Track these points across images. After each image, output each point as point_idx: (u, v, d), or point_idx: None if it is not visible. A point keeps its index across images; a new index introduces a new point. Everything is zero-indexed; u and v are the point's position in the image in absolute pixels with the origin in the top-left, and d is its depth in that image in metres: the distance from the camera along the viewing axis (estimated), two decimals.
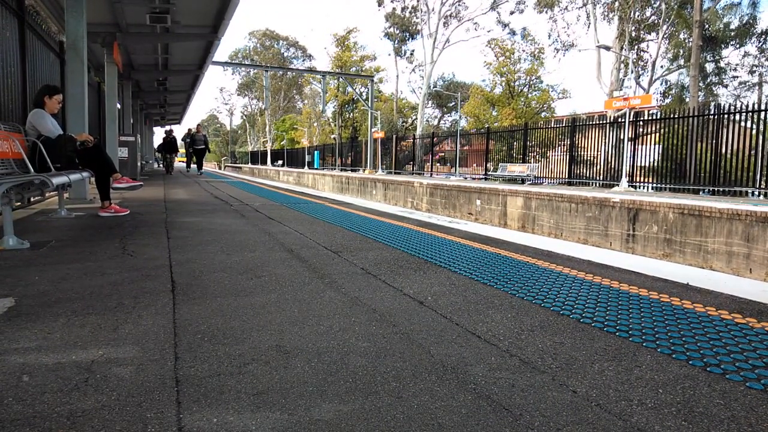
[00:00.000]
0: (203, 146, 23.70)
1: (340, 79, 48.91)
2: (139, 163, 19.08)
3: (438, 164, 34.19)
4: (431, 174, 27.79)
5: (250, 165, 63.52)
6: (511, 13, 36.05)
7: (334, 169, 38.96)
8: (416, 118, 44.17)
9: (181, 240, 5.34)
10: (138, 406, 1.76)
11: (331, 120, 60.80)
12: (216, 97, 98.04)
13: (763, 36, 24.88)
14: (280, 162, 54.17)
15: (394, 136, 33.71)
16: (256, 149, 73.84)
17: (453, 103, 48.87)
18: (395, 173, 29.82)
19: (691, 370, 2.20)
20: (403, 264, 4.30)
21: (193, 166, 25.43)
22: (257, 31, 69.78)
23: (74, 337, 2.40)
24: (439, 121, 56.05)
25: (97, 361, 2.14)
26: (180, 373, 2.03)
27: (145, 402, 1.79)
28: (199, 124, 24.17)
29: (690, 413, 1.80)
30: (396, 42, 44.79)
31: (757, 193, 10.19)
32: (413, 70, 46.68)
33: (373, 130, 32.61)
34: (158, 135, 42.68)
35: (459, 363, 2.21)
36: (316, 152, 45.84)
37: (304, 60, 70.47)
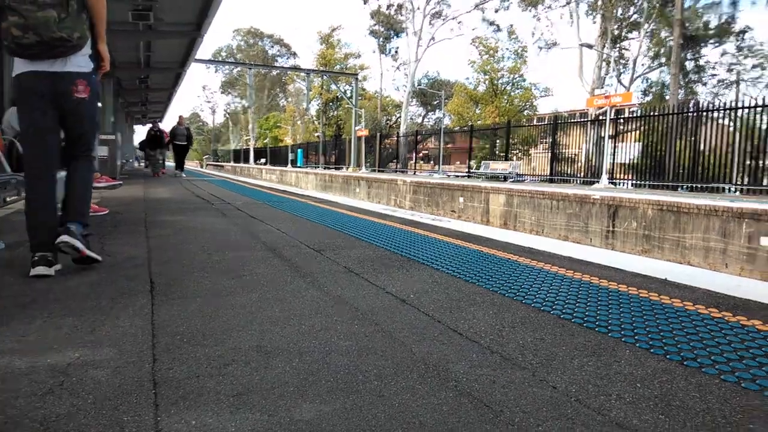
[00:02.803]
0: (185, 142, 19.98)
1: (324, 77, 48.73)
2: (119, 162, 18.78)
3: (422, 162, 34.26)
4: (415, 172, 27.83)
5: (232, 163, 62.99)
6: (496, 11, 36.32)
7: (318, 167, 38.82)
8: (400, 116, 44.21)
9: (161, 239, 5.27)
10: (114, 410, 1.73)
11: (315, 118, 60.57)
12: (199, 95, 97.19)
13: (741, 35, 25.35)
14: (263, 160, 53.79)
15: (378, 134, 33.69)
16: (238, 147, 73.26)
17: (437, 101, 49.02)
18: (379, 171, 29.81)
19: (669, 364, 2.23)
20: (386, 262, 4.29)
21: (170, 163, 23.43)
22: (241, 28, 69.20)
23: (50, 340, 2.36)
24: (423, 119, 56.15)
25: (74, 363, 2.10)
26: (158, 375, 2.00)
27: (122, 405, 1.76)
28: (181, 116, 20.39)
29: (667, 407, 1.82)
30: (381, 40, 44.76)
31: (733, 189, 10.39)
32: (398, 68, 46.72)
33: (357, 128, 32.56)
34: (139, 133, 42.04)
35: (441, 360, 2.21)
36: (299, 150, 45.61)
37: (288, 58, 70.04)
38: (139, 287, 3.33)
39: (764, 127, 10.09)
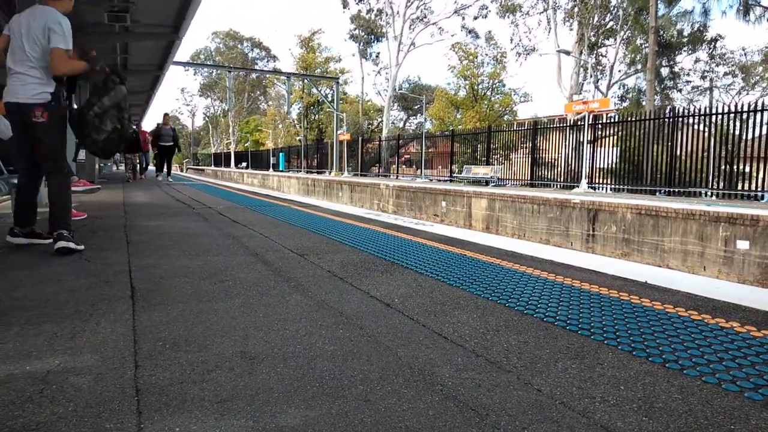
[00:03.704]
0: (171, 143, 18.09)
1: (305, 81, 48.60)
2: (97, 166, 18.44)
3: (404, 166, 34.33)
4: (397, 176, 27.89)
5: (213, 167, 62.40)
6: (475, 18, 36.58)
7: (300, 171, 38.67)
8: (382, 120, 44.30)
9: (142, 244, 5.20)
10: (96, 417, 1.69)
11: (296, 122, 60.34)
12: (177, 98, 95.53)
13: (713, 43, 25.97)
14: (244, 164, 53.38)
15: (360, 138, 33.71)
16: (219, 151, 72.59)
17: (418, 106, 49.22)
18: (361, 175, 29.82)
19: (651, 366, 2.27)
20: (370, 266, 4.29)
21: (152, 167, 21.91)
22: (220, 31, 68.70)
23: (29, 347, 2.30)
24: (404, 124, 56.33)
25: (53, 371, 2.05)
26: (140, 382, 1.97)
27: (104, 412, 1.73)
28: (166, 114, 18.25)
29: (650, 409, 1.85)
30: (361, 44, 44.80)
31: (710, 193, 10.62)
32: (378, 72, 46.72)
33: (338, 132, 32.53)
34: None
35: (426, 364, 2.21)
36: (281, 154, 45.35)
37: (268, 61, 69.70)
38: (119, 293, 3.27)
39: (737, 132, 10.34)
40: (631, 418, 1.77)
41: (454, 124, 40.27)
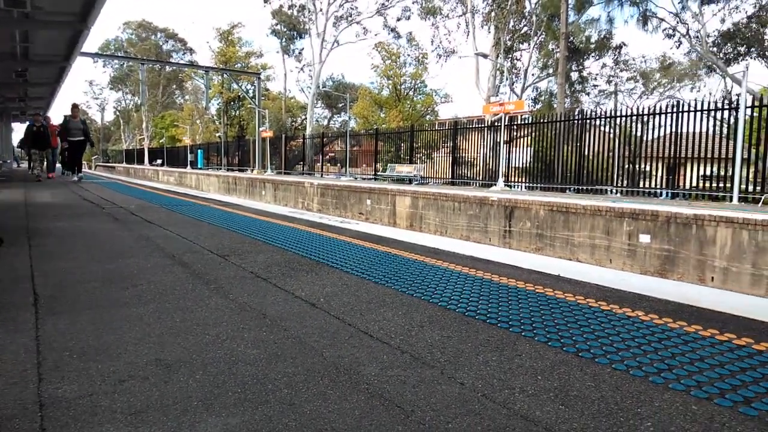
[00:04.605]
0: (82, 137, 15.57)
1: (225, 75, 47.06)
2: None
3: (328, 164, 34.16)
4: (322, 174, 27.69)
5: (125, 164, 58.94)
6: (398, 19, 36.94)
7: (220, 169, 37.41)
8: (306, 118, 43.80)
9: (46, 248, 4.80)
10: None
11: (215, 117, 58.30)
12: (86, 91, 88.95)
13: (618, 49, 27.87)
14: (159, 161, 50.87)
15: (284, 136, 33.14)
16: (131, 147, 68.67)
17: (342, 104, 49.13)
18: (285, 173, 29.34)
19: (566, 356, 2.39)
20: (295, 266, 4.22)
21: (59, 165, 18.44)
22: (132, 21, 64.88)
23: None
24: (329, 122, 56.03)
25: None
26: (45, 396, 1.81)
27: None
28: (75, 106, 15.86)
29: (566, 397, 1.95)
30: (284, 40, 44.02)
31: (615, 190, 11.40)
32: (302, 69, 46.03)
33: (261, 128, 31.78)
34: (18, 132, 37.88)
35: (352, 364, 2.20)
36: (199, 151, 43.65)
37: (184, 54, 66.75)
38: (20, 300, 3.00)
39: (639, 134, 11.17)
40: (548, 407, 1.85)
41: (378, 123, 40.61)
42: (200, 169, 39.40)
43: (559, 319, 2.95)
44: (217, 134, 51.87)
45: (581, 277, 4.11)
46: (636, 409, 1.86)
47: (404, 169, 20.37)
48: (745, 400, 1.95)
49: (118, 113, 78.69)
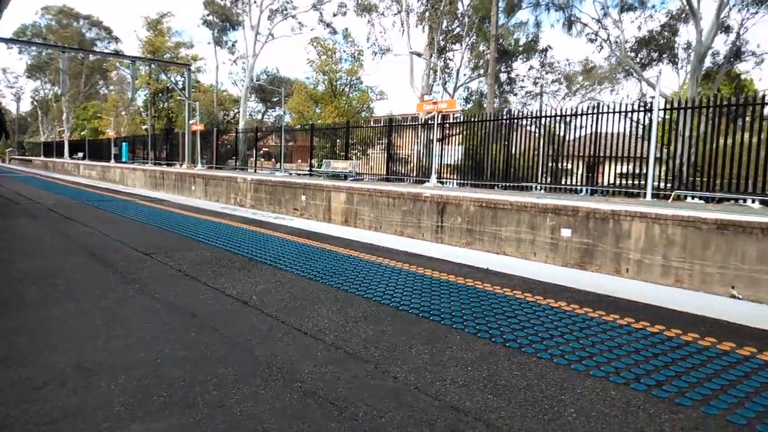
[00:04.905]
0: None
1: (153, 66, 44.96)
2: None
3: (262, 159, 33.44)
4: (255, 169, 27.09)
5: (42, 158, 55.04)
6: (334, 15, 36.60)
7: (147, 163, 35.73)
8: (239, 111, 42.64)
9: None
10: None
11: (142, 109, 55.58)
12: None
13: (544, 52, 29.04)
14: (80, 154, 47.87)
15: (215, 129, 32.08)
16: (51, 140, 64.19)
17: (277, 98, 48.21)
18: (216, 168, 28.44)
19: (494, 346, 2.47)
20: (226, 263, 4.11)
21: None
22: (52, 6, 60.44)
23: None
24: (263, 116, 54.82)
25: None
26: None
27: None
28: None
29: (494, 386, 2.02)
30: (216, 31, 42.55)
31: (539, 187, 11.88)
32: (235, 61, 44.62)
33: (191, 121, 30.62)
34: None
35: (285, 362, 2.17)
36: (124, 144, 41.45)
37: (109, 42, 62.96)
38: None
39: (561, 134, 11.70)
40: (478, 397, 1.91)
41: (314, 119, 40.19)
42: (125, 163, 37.44)
43: (488, 311, 3.04)
44: (144, 127, 49.45)
45: (508, 270, 4.26)
46: (560, 396, 1.95)
47: (340, 165, 20.28)
48: (657, 384, 2.10)
49: (35, 103, 73.14)
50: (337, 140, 22.31)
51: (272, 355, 2.24)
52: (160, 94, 52.11)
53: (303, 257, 4.48)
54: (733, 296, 4.31)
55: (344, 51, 42.99)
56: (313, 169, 22.32)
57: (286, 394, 1.87)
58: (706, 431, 1.73)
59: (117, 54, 51.87)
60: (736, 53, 17.81)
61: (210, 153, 30.41)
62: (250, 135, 29.77)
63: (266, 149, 39.19)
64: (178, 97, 44.44)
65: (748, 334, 2.82)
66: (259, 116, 54.25)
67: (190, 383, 1.93)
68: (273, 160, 35.48)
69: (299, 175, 23.14)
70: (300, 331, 2.57)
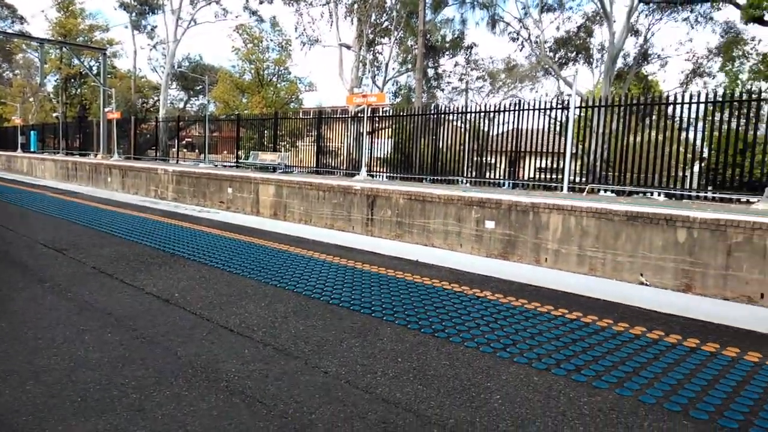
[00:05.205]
0: None
1: (65, 50, 41.87)
2: None
3: (185, 150, 32.12)
4: (177, 160, 25.97)
5: None
6: (261, 2, 35.65)
7: (58, 152, 33.31)
8: (159, 100, 40.64)
9: None
10: None
11: (52, 96, 51.66)
12: None
13: (469, 49, 29.79)
14: None
15: (133, 118, 30.40)
16: None
17: (201, 87, 46.37)
18: (135, 159, 26.99)
19: (423, 337, 2.51)
20: (146, 259, 3.91)
21: None
22: None
23: None
24: (185, 105, 52.52)
25: None
26: None
27: None
28: None
29: (424, 377, 2.05)
30: (134, 14, 40.18)
31: (465, 181, 12.22)
32: (154, 47, 42.36)
33: (107, 109, 28.81)
34: None
35: (210, 361, 2.10)
36: (32, 132, 38.37)
37: (13, 22, 57.83)
38: None
39: (486, 129, 12.08)
40: (408, 388, 1.93)
41: (240, 109, 39.01)
42: (33, 152, 34.71)
43: (418, 302, 3.09)
44: (55, 114, 45.96)
45: (437, 261, 4.36)
46: (486, 384, 2.01)
47: (268, 157, 19.84)
48: (576, 369, 2.22)
49: None
50: (265, 131, 21.79)
51: (196, 355, 2.16)
52: (73, 80, 48.66)
53: (229, 252, 4.36)
54: (641, 283, 4.64)
55: (272, 40, 41.97)
56: (240, 160, 21.72)
57: (212, 395, 1.81)
58: (620, 412, 1.85)
59: (23, 35, 47.85)
60: (644, 55, 19.12)
61: (128, 143, 28.81)
62: (172, 124, 28.48)
63: (189, 139, 37.69)
64: (93, 83, 41.71)
65: (656, 319, 3.04)
66: (182, 105, 51.97)
67: (107, 387, 1.82)
68: (197, 150, 34.20)
69: (225, 166, 22.46)
70: (226, 329, 2.49)
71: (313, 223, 9.01)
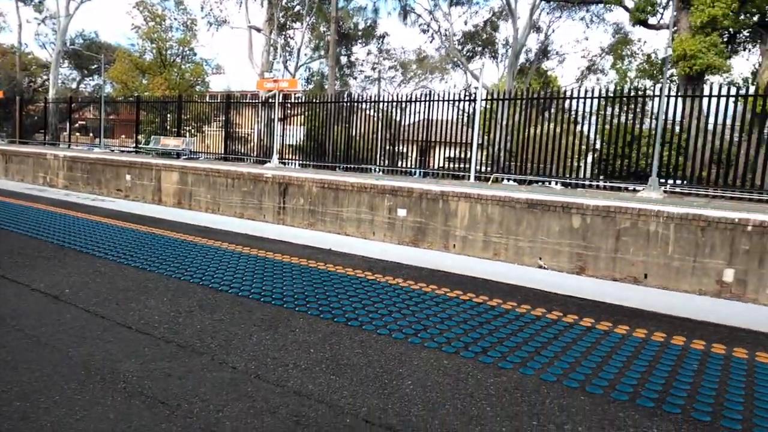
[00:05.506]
0: None
1: None
2: None
3: (78, 134, 29.67)
4: (69, 145, 23.96)
5: None
6: None
7: None
8: (48, 79, 37.18)
9: None
10: None
11: None
12: None
13: (382, 39, 29.94)
14: None
15: (18, 98, 27.56)
16: None
17: (96, 66, 42.92)
18: (20, 143, 24.55)
19: (336, 326, 2.50)
20: (32, 253, 3.57)
21: None
22: None
23: None
24: (78, 85, 48.35)
25: None
26: None
27: None
28: None
29: (337, 366, 2.04)
30: None
31: (378, 169, 12.33)
32: (43, 21, 38.63)
33: None
34: None
35: (106, 362, 1.96)
36: None
37: None
38: None
39: (398, 118, 12.25)
40: (321, 379, 1.92)
41: (140, 90, 36.60)
42: None
43: (330, 291, 3.08)
44: None
45: (350, 249, 4.36)
46: (398, 370, 2.04)
47: (171, 143, 18.81)
48: (483, 351, 2.31)
49: None
50: (168, 115, 20.62)
51: (89, 355, 2.00)
52: None
53: (128, 243, 4.09)
54: (540, 266, 4.93)
55: (175, 19, 39.73)
56: (140, 145, 20.42)
57: (108, 397, 1.69)
58: (524, 390, 1.95)
59: None
60: (544, 51, 20.23)
61: (12, 125, 26.13)
62: (63, 106, 26.19)
63: (83, 122, 34.86)
64: None
65: (554, 300, 3.24)
66: (75, 85, 47.90)
67: None
68: (91, 134, 31.77)
69: (123, 152, 21.14)
70: (123, 326, 2.33)
71: (221, 212, 8.69)
